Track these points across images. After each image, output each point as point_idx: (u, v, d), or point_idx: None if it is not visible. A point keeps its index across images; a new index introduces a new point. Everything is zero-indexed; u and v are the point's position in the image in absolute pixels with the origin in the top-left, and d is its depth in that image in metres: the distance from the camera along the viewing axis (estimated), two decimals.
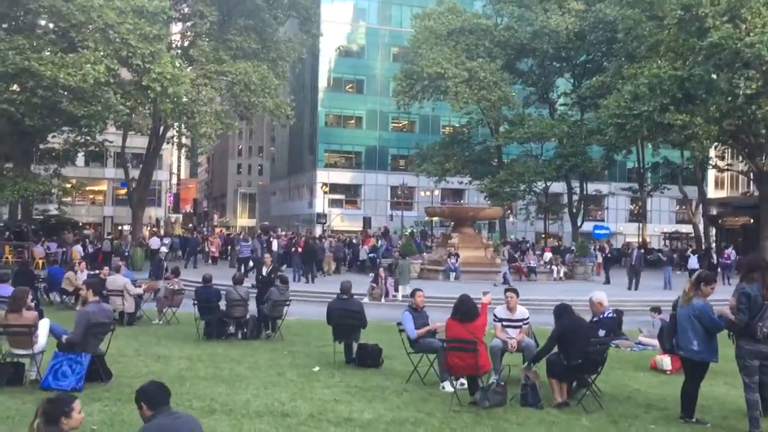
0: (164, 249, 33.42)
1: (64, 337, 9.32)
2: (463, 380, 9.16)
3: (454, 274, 29.57)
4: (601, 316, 9.23)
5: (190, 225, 78.19)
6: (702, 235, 48.88)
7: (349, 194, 73.15)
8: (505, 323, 9.95)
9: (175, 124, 35.65)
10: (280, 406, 8.50)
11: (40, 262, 30.59)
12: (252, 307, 14.62)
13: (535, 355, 8.82)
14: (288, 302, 14.49)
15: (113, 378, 9.70)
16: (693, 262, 28.08)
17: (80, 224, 57.18)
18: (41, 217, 43.63)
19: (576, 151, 46.11)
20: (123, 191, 63.34)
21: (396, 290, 23.26)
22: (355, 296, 14.60)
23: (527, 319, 10.02)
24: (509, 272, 28.42)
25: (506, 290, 10.22)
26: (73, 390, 8.83)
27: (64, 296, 19.07)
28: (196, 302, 14.14)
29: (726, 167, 59.37)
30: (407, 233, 48.00)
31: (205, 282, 14.46)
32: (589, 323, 9.17)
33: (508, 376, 9.55)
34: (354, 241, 36.88)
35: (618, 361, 11.99)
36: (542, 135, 46.34)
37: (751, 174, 51.96)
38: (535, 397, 8.42)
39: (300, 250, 27.96)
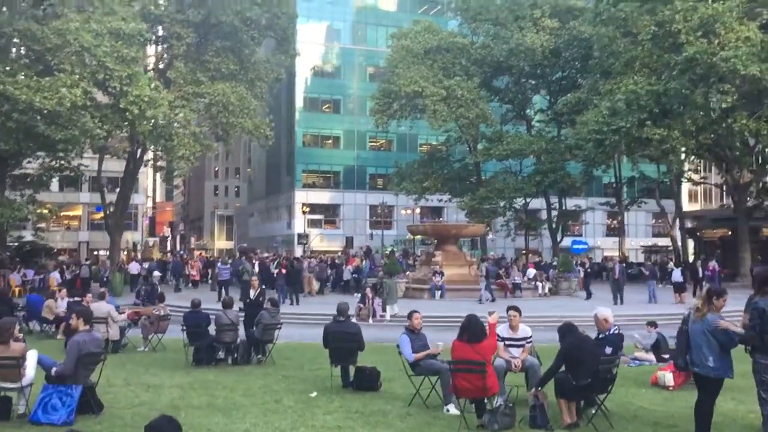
0: (157, 273, 32.89)
1: (54, 369, 8.95)
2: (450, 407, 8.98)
3: (439, 292, 29.36)
4: (607, 333, 9.07)
5: (168, 249, 77.26)
6: (680, 248, 49.29)
7: (328, 214, 72.82)
8: (507, 342, 9.77)
9: (152, 146, 35.15)
10: None
11: (17, 290, 29.90)
12: (241, 331, 14.29)
13: (542, 377, 8.61)
14: (279, 325, 14.19)
15: (104, 409, 9.35)
16: (677, 275, 28.13)
17: (54, 250, 56.29)
18: (15, 244, 42.76)
19: (555, 167, 46.36)
20: (98, 216, 62.47)
21: (384, 310, 23.00)
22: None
23: (530, 337, 9.84)
24: (489, 289, 28.19)
25: (508, 309, 10.03)
26: (64, 424, 8.50)
27: (45, 325, 18.56)
28: (184, 328, 13.78)
29: (701, 180, 60.07)
30: (388, 252, 47.70)
31: (193, 307, 14.12)
32: (595, 340, 9.01)
33: (516, 397, 9.34)
34: (337, 261, 36.56)
35: (619, 378, 11.82)
36: (521, 152, 46.55)
37: (725, 187, 52.74)
38: (543, 418, 8.22)
39: (284, 271, 27.58)
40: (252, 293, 15.23)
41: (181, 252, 77.73)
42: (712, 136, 36.02)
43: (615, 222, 79.86)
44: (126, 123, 31.91)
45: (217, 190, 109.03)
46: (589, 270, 33.14)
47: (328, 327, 11.23)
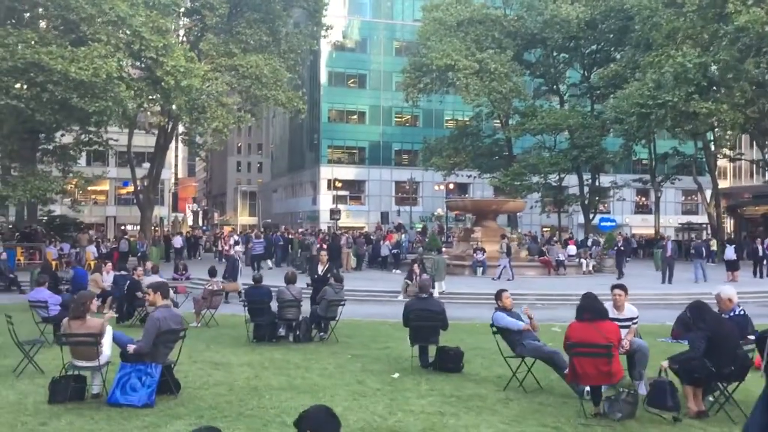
0: (239, 248, 32.21)
1: (131, 346, 8.34)
2: None
3: (481, 269, 28.67)
4: (732, 314, 8.33)
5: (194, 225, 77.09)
6: (716, 225, 48.25)
7: (353, 190, 72.10)
8: None
9: (186, 119, 34.51)
10: (382, 421, 7.57)
11: (54, 263, 29.52)
12: (305, 307, 13.68)
13: (682, 360, 7.83)
14: (343, 302, 13.56)
15: (181, 389, 8.77)
16: (730, 252, 27.15)
17: (83, 225, 56.15)
18: (46, 218, 42.51)
19: (591, 142, 45.30)
20: (125, 190, 62.36)
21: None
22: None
23: (636, 317, 9.10)
24: (509, 265, 27.25)
25: (613, 287, 9.28)
26: (145, 406, 7.93)
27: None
28: (245, 303, 13.16)
29: (737, 156, 58.63)
30: (420, 228, 46.95)
31: (255, 282, 13.49)
32: None
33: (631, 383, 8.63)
34: (372, 237, 35.89)
35: None
36: (556, 126, 45.38)
37: (761, 163, 51.42)
38: (675, 400, 7.37)
39: (324, 246, 26.96)
40: (320, 268, 14.52)
41: (204, 227, 77.55)
42: (762, 108, 34.79)
43: (644, 199, 79.08)
44: (161, 95, 31.22)
45: (240, 165, 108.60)
46: (623, 248, 31.73)
47: (411, 304, 10.55)
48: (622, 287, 9.18)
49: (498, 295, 9.85)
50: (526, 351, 8.98)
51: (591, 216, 51.34)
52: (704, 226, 60.00)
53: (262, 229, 41.51)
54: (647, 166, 71.14)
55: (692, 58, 34.43)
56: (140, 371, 8.19)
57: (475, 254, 29.22)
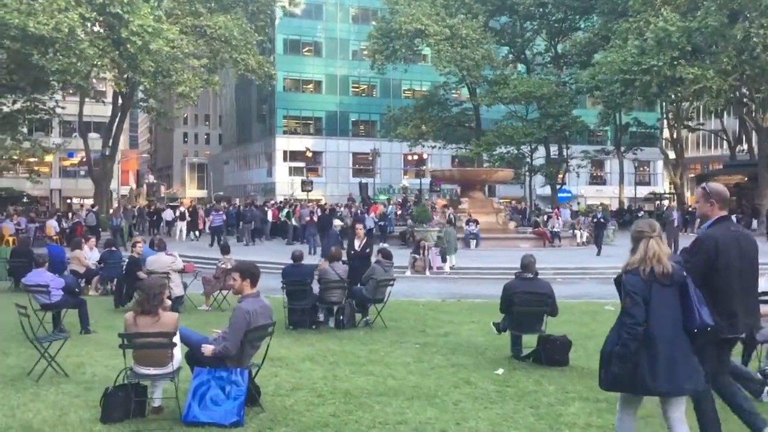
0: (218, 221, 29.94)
1: (207, 346, 6.50)
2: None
3: (474, 241, 27.31)
4: None
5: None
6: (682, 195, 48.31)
7: (310, 162, 69.86)
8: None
9: (148, 84, 31.76)
10: None
11: (11, 239, 26.78)
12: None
13: None
14: (392, 281, 11.90)
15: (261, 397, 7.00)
16: None
17: (25, 197, 52.67)
18: None
19: (564, 111, 44.40)
20: (70, 162, 58.73)
21: (444, 260, 20.70)
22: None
23: None
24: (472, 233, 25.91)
25: None
26: (234, 424, 6.16)
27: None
28: (284, 284, 11.35)
29: (697, 126, 58.86)
30: (431, 200, 44.79)
31: (295, 260, 11.65)
32: None
33: None
34: (351, 210, 34.07)
35: None
36: (530, 94, 44.15)
37: (724, 133, 51.64)
38: None
39: (315, 219, 25.13)
40: (357, 244, 12.73)
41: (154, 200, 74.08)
42: (744, 75, 34.22)
43: (598, 171, 79.32)
44: (124, 59, 28.59)
45: (187, 137, 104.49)
46: (603, 220, 30.23)
47: (512, 285, 8.92)
48: None
49: None
50: None
51: (558, 187, 50.75)
52: (667, 195, 60.31)
53: (226, 204, 39.10)
54: (600, 138, 71.55)
55: (675, 21, 33.59)
56: (222, 379, 6.38)
57: (467, 226, 27.81)
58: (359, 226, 14.51)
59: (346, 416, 6.57)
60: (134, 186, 53.69)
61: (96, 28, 29.31)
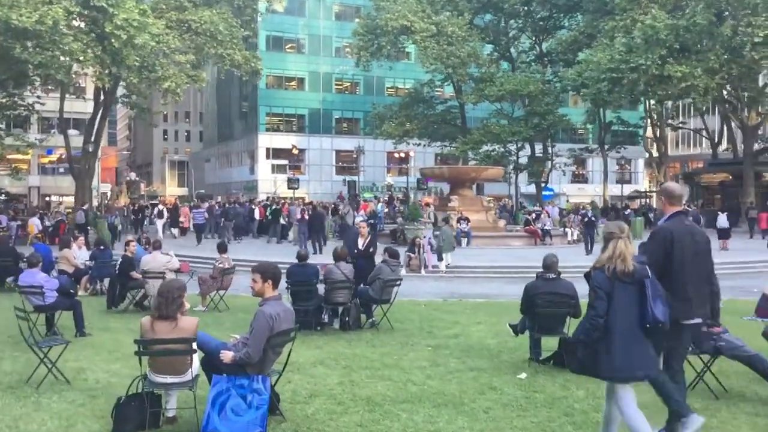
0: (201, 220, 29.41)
1: (227, 353, 6.11)
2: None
3: (466, 239, 27.04)
4: None
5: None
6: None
7: (293, 159, 69.30)
8: None
9: (133, 79, 31.07)
10: None
11: None
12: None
13: None
14: (399, 281, 11.56)
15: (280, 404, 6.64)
16: (722, 220, 26.44)
17: (2, 195, 51.69)
18: None
19: (551, 109, 44.31)
20: (48, 159, 57.67)
21: (440, 259, 20.36)
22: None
23: None
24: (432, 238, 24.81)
25: None
26: None
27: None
28: (289, 284, 10.95)
29: (679, 125, 59.24)
30: (418, 198, 44.46)
31: (300, 260, 11.26)
32: None
33: None
34: (339, 208, 33.64)
35: None
36: (516, 92, 43.98)
37: (707, 131, 51.85)
38: None
39: (306, 216, 24.71)
40: (361, 242, 12.33)
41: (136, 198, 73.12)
42: (732, 74, 34.27)
43: (580, 169, 79.51)
44: (107, 54, 27.93)
45: (167, 134, 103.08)
46: (593, 218, 29.96)
47: (534, 286, 8.59)
48: None
49: None
50: (723, 349, 7.23)
51: (543, 185, 50.74)
52: (650, 194, 60.60)
53: (211, 202, 38.53)
54: (583, 136, 71.70)
55: (663, 19, 33.58)
56: (243, 387, 5.99)
57: (458, 224, 27.53)
58: (362, 224, 14.13)
59: (373, 426, 6.24)
60: (113, 183, 52.71)
61: (80, 23, 28.64)
